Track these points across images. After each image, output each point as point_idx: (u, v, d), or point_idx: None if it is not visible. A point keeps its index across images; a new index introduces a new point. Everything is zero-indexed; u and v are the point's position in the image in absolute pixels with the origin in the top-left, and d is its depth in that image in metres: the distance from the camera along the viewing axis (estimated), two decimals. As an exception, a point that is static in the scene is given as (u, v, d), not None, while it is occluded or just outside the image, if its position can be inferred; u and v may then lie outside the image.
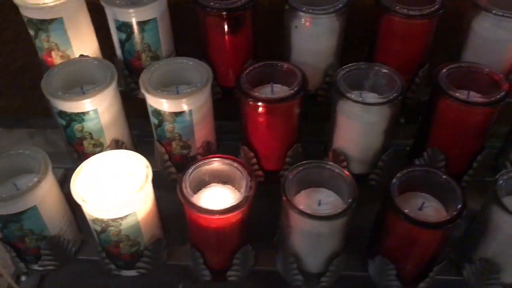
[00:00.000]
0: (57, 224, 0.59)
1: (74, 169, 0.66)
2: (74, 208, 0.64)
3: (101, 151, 0.63)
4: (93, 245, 0.65)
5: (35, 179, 0.54)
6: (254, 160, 0.63)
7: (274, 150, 0.62)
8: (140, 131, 0.73)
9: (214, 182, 0.59)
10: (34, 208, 0.55)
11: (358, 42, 0.70)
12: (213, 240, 0.57)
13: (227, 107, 0.69)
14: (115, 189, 0.57)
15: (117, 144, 0.64)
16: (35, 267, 0.62)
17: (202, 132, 0.62)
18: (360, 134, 0.60)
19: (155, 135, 0.64)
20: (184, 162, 0.65)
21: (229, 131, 0.73)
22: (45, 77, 0.60)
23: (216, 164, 0.56)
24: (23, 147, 0.57)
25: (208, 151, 0.64)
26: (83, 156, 0.64)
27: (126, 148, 0.65)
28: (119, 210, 0.53)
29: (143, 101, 0.68)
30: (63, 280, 0.71)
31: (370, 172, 0.64)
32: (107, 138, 0.62)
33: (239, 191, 0.58)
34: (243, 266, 0.61)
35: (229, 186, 0.59)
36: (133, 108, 0.71)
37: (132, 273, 0.62)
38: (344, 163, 0.62)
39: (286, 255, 0.59)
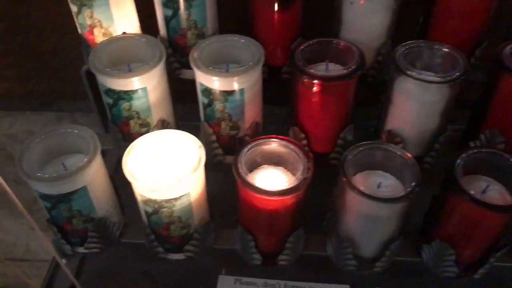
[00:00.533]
0: (104, 206, 0.58)
1: (118, 150, 0.65)
2: (117, 190, 0.62)
3: (147, 131, 0.61)
4: (137, 228, 0.64)
5: (85, 159, 0.52)
6: (305, 142, 0.61)
7: (326, 131, 0.60)
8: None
9: (266, 164, 0.57)
10: (84, 189, 0.53)
11: (409, 19, 0.67)
12: (267, 222, 0.55)
13: (269, 89, 0.67)
14: (167, 169, 0.55)
15: (163, 125, 0.62)
16: (80, 249, 0.61)
17: (252, 113, 0.60)
18: (418, 115, 0.58)
19: (202, 115, 0.62)
20: (232, 144, 0.63)
21: (270, 115, 0.71)
22: (92, 54, 0.57)
23: (274, 145, 0.54)
24: (71, 126, 0.55)
25: (256, 132, 0.62)
26: (128, 136, 0.62)
27: (171, 128, 0.63)
28: (174, 191, 0.51)
29: (183, 82, 0.67)
30: (102, 264, 0.70)
31: (425, 155, 0.62)
32: (154, 118, 0.61)
33: (292, 173, 0.56)
34: (294, 251, 0.59)
35: (281, 168, 0.57)
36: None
37: (179, 256, 0.60)
38: (401, 145, 0.60)
39: (340, 239, 0.57)
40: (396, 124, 0.60)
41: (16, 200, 0.45)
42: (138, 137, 0.61)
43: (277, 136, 0.55)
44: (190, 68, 0.66)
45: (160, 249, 0.59)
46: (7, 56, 0.92)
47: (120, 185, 0.62)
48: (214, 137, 0.62)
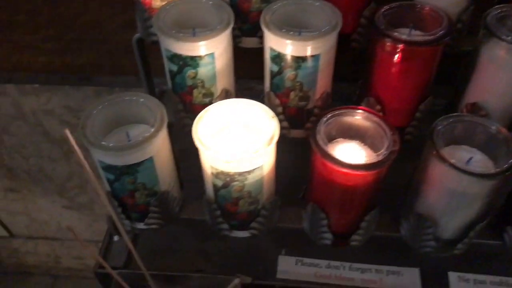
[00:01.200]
0: (167, 180, 0.54)
1: (177, 122, 0.61)
2: (178, 163, 0.59)
3: (210, 101, 0.58)
4: (195, 204, 0.61)
5: (153, 129, 0.49)
6: (380, 114, 0.57)
7: (405, 103, 0.56)
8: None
9: (340, 137, 0.53)
10: (150, 160, 0.50)
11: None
12: (345, 199, 0.51)
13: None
14: (237, 140, 0.51)
15: (227, 95, 0.58)
16: (140, 225, 0.58)
17: (324, 82, 0.56)
18: (509, 85, 0.53)
19: (268, 85, 0.58)
20: (299, 116, 0.59)
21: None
22: (156, 16, 0.53)
23: (356, 116, 0.50)
24: (136, 94, 0.52)
25: (326, 104, 0.58)
26: (189, 107, 0.58)
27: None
28: (249, 163, 0.48)
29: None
30: (156, 241, 0.67)
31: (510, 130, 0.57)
32: (218, 88, 0.57)
33: (370, 147, 0.52)
34: (368, 231, 0.55)
35: (356, 142, 0.53)
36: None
37: (244, 234, 0.57)
38: (485, 119, 0.55)
39: (420, 218, 0.53)
40: (480, 96, 0.55)
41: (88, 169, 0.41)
42: (200, 108, 0.58)
43: (357, 107, 0.51)
44: (251, 35, 0.63)
45: (225, 226, 0.56)
46: (46, 28, 0.89)
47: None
48: (280, 109, 0.58)
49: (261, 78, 0.88)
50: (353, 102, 0.62)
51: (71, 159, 1.14)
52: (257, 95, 0.76)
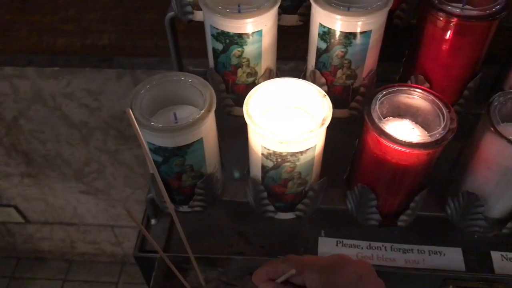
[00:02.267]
0: (213, 161, 0.53)
1: (218, 102, 0.60)
2: (221, 145, 0.58)
3: (253, 81, 0.56)
4: (234, 186, 0.60)
5: (203, 110, 0.47)
6: (435, 93, 0.55)
7: (455, 80, 0.55)
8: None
9: (391, 116, 0.52)
10: (200, 142, 0.49)
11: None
12: (397, 179, 0.50)
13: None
14: (288, 120, 0.50)
15: (270, 74, 0.57)
16: (184, 208, 0.57)
17: (372, 60, 0.55)
18: None
19: (313, 63, 0.56)
20: (344, 95, 0.57)
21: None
22: (201, -7, 0.52)
23: (412, 95, 0.49)
24: (183, 74, 0.50)
25: (372, 83, 0.57)
26: (232, 87, 0.57)
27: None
28: (303, 144, 0.47)
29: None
30: (195, 224, 0.66)
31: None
32: (263, 66, 0.55)
33: (422, 126, 0.51)
34: (416, 211, 0.55)
35: (407, 120, 0.52)
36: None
37: (289, 215, 0.56)
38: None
39: (470, 197, 0.52)
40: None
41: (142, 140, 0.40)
42: (243, 88, 0.57)
43: (411, 85, 0.49)
44: (292, 13, 0.61)
45: (271, 208, 0.55)
46: (68, 8, 0.87)
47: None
48: (325, 88, 0.57)
49: (285, 58, 0.87)
50: (396, 80, 0.61)
51: (89, 144, 1.12)
52: (286, 75, 0.75)
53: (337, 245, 0.63)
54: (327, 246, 0.63)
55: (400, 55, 0.64)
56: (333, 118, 0.61)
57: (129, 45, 0.93)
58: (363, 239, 0.63)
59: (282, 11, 0.61)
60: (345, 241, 0.63)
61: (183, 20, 0.64)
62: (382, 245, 0.63)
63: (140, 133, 0.39)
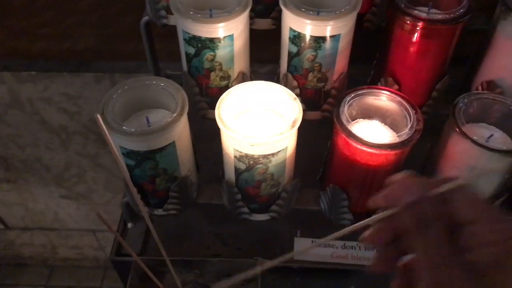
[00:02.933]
0: (187, 164, 0.54)
1: (192, 105, 0.60)
2: (195, 148, 0.59)
3: (227, 85, 0.57)
4: (210, 189, 0.60)
5: (175, 114, 0.48)
6: (403, 94, 0.57)
7: (423, 82, 0.56)
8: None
9: (361, 117, 0.53)
10: (172, 145, 0.49)
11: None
12: (368, 179, 0.51)
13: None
14: (259, 123, 0.51)
15: (243, 77, 0.57)
16: (159, 211, 0.57)
17: (342, 63, 0.56)
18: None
19: (285, 67, 0.57)
20: (316, 98, 0.58)
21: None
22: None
23: (379, 96, 0.50)
24: (156, 78, 0.51)
25: (343, 85, 0.58)
26: (206, 90, 0.58)
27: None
28: (274, 146, 0.47)
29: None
30: (172, 227, 0.66)
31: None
32: (235, 70, 0.56)
33: (391, 127, 0.52)
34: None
35: (375, 121, 0.53)
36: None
37: (264, 217, 0.57)
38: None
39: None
40: (496, 73, 0.56)
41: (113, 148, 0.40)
42: (217, 91, 0.58)
43: (379, 87, 0.51)
44: (265, 17, 0.62)
45: (245, 210, 0.56)
46: (46, 12, 0.86)
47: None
48: (297, 91, 0.58)
49: (261, 61, 0.88)
50: (367, 83, 0.62)
51: (69, 148, 1.11)
52: (262, 78, 0.76)
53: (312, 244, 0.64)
54: (303, 246, 0.64)
55: (372, 57, 0.66)
56: (306, 120, 0.62)
57: (107, 49, 0.93)
58: (338, 238, 0.64)
59: (255, 15, 0.62)
60: (321, 240, 0.64)
61: (158, 24, 0.64)
62: (357, 244, 0.64)
63: (110, 138, 0.39)
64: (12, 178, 1.22)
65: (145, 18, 0.66)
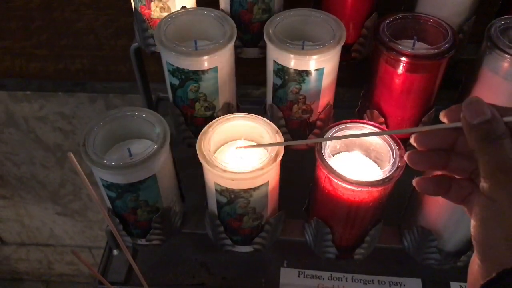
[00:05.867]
0: (169, 195, 0.53)
1: (177, 134, 0.60)
2: (178, 177, 0.58)
3: (212, 115, 0.57)
4: (196, 217, 0.60)
5: (156, 146, 0.48)
6: (384, 126, 0.56)
7: (409, 115, 0.55)
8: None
9: (345, 150, 0.53)
10: (153, 178, 0.49)
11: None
12: (350, 214, 0.51)
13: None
14: (241, 156, 0.51)
15: (229, 108, 0.57)
16: (141, 241, 0.57)
17: (327, 94, 0.55)
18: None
19: (270, 98, 0.57)
20: (302, 129, 0.58)
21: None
22: (158, 29, 0.52)
23: (362, 131, 0.49)
24: (137, 109, 0.51)
25: (329, 116, 0.58)
26: (191, 120, 0.58)
27: (234, 112, 0.59)
28: (255, 180, 0.47)
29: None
30: (157, 255, 0.66)
31: None
32: (220, 101, 0.56)
33: (375, 160, 0.52)
34: (372, 244, 0.55)
35: (361, 154, 0.53)
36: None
37: (247, 249, 0.57)
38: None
39: (423, 231, 0.53)
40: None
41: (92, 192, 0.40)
42: (202, 121, 0.57)
43: (362, 121, 0.50)
44: (252, 46, 0.62)
45: (228, 242, 0.55)
46: (41, 33, 0.87)
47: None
48: (282, 121, 0.57)
49: (257, 84, 0.88)
50: (355, 113, 0.62)
51: (64, 166, 1.12)
52: (255, 102, 0.76)
53: (299, 276, 0.63)
54: (289, 277, 0.63)
55: (361, 81, 0.65)
56: (292, 150, 0.62)
57: (102, 70, 0.93)
58: (324, 269, 0.63)
59: (243, 44, 0.62)
60: (307, 271, 0.64)
61: (146, 51, 0.64)
62: (343, 276, 0.63)
63: (84, 176, 0.39)
64: (8, 194, 1.23)
65: (135, 45, 0.66)
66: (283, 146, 0.49)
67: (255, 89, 0.91)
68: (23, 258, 1.48)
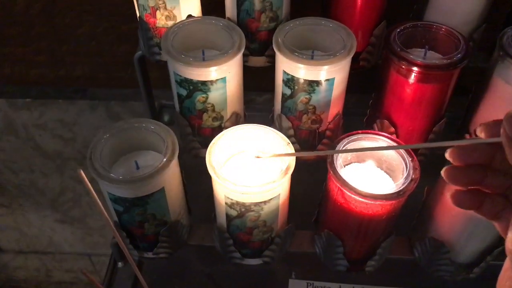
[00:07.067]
0: (177, 208, 0.52)
1: (184, 145, 0.59)
2: (186, 189, 0.57)
3: (220, 125, 0.56)
4: (203, 229, 0.59)
5: (164, 159, 0.46)
6: (394, 137, 0.55)
7: (420, 125, 0.55)
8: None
9: (356, 161, 0.52)
10: (162, 191, 0.48)
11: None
12: (363, 227, 0.50)
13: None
14: (253, 168, 0.50)
15: (237, 118, 0.56)
16: (148, 254, 0.55)
17: (337, 104, 0.54)
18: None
19: (280, 107, 0.56)
20: (311, 139, 0.57)
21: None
22: (165, 39, 0.51)
23: (374, 142, 0.49)
24: (145, 121, 0.49)
25: (338, 126, 0.57)
26: (198, 131, 0.56)
27: (242, 123, 0.58)
28: (266, 193, 0.46)
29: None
30: (163, 266, 0.64)
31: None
32: (228, 111, 0.55)
33: (387, 172, 0.51)
34: (384, 256, 0.54)
35: (373, 166, 0.52)
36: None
37: (256, 261, 0.56)
38: (499, 141, 0.55)
39: (435, 243, 0.52)
40: (494, 117, 0.54)
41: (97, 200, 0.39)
42: (210, 131, 0.56)
43: (373, 131, 0.49)
44: (259, 55, 0.61)
45: (237, 255, 0.54)
46: (41, 40, 0.86)
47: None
48: (291, 132, 0.56)
49: (260, 90, 0.87)
50: (363, 122, 0.61)
51: (64, 174, 1.10)
52: (260, 110, 0.74)
53: (307, 287, 0.62)
54: (297, 288, 0.62)
55: (369, 89, 0.65)
56: (301, 161, 0.61)
57: (103, 77, 0.92)
58: (334, 281, 0.62)
59: (250, 53, 0.61)
60: (316, 283, 0.63)
61: (151, 60, 0.63)
62: (353, 287, 0.62)
63: (94, 193, 0.38)
64: (6, 202, 1.21)
65: (139, 53, 0.65)
66: (294, 159, 0.48)
67: (259, 96, 0.90)
68: (22, 266, 1.46)
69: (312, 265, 0.62)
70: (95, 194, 0.38)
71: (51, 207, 1.22)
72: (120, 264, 0.64)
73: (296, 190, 0.56)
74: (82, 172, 0.36)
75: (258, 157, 0.45)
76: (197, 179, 0.59)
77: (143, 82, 0.69)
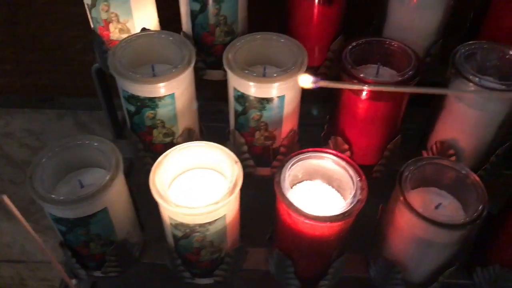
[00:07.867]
0: (125, 227, 0.51)
1: (137, 160, 0.58)
2: (136, 205, 0.56)
3: (171, 141, 0.55)
4: (158, 246, 0.57)
5: (107, 177, 0.45)
6: (348, 154, 0.55)
7: (374, 142, 0.54)
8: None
9: (307, 179, 0.51)
10: (105, 211, 0.46)
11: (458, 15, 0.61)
12: (311, 248, 0.49)
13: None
14: (199, 187, 0.49)
15: (190, 133, 0.55)
16: (97, 273, 0.54)
17: (290, 121, 0.53)
18: (477, 124, 0.51)
19: (233, 123, 0.55)
20: (265, 155, 0.56)
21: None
22: (112, 54, 0.50)
23: (323, 161, 0.48)
24: (88, 137, 0.48)
25: (293, 142, 0.56)
26: (150, 146, 0.55)
27: (196, 138, 0.57)
28: (210, 215, 0.45)
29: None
30: (117, 285, 0.63)
31: (478, 169, 0.56)
32: (180, 127, 0.54)
33: (338, 189, 0.50)
34: (336, 275, 0.53)
35: (323, 182, 0.51)
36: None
37: (208, 281, 0.54)
38: (453, 158, 0.54)
39: (388, 263, 0.51)
40: (449, 134, 0.54)
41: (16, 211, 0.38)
42: (161, 147, 0.55)
43: (323, 149, 0.48)
44: (216, 68, 0.60)
45: (187, 274, 0.53)
46: (5, 49, 0.84)
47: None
48: (245, 148, 0.55)
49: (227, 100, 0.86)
50: (321, 137, 0.60)
51: (33, 183, 1.08)
52: (228, 120, 0.74)
53: (265, 305, 0.61)
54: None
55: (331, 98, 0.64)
56: (257, 177, 0.60)
57: (70, 85, 0.91)
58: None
59: (207, 66, 0.60)
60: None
61: (107, 72, 0.62)
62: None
63: (23, 219, 0.37)
64: (-25, 211, 1.19)
65: (96, 65, 0.64)
66: (241, 176, 0.47)
67: (226, 106, 0.89)
68: (-5, 275, 1.44)
69: (267, 284, 0.61)
70: (24, 221, 0.37)
71: (22, 216, 1.20)
72: (74, 281, 0.62)
73: (253, 205, 0.55)
74: (6, 197, 0.35)
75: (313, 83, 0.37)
76: (151, 195, 0.58)
77: (102, 93, 0.67)
